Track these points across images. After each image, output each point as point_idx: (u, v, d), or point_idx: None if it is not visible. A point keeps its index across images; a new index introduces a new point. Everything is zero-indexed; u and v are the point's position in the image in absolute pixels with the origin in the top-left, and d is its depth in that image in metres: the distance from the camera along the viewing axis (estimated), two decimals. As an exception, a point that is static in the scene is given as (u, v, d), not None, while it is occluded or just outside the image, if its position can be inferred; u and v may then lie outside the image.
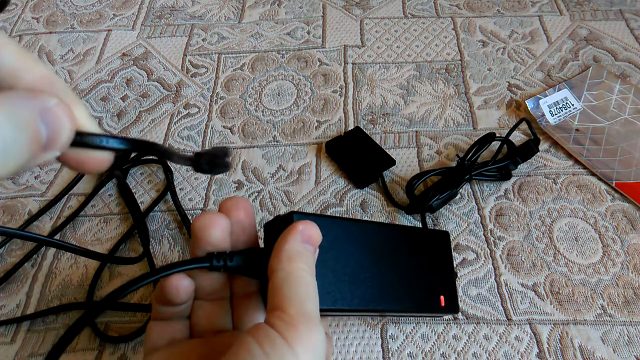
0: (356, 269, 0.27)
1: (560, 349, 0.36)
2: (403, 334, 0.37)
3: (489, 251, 0.41)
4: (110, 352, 0.37)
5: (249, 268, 0.25)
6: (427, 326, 0.37)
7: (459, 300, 0.37)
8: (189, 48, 0.59)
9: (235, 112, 0.52)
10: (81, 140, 0.17)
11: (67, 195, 0.47)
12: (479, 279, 0.39)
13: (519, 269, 0.40)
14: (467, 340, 0.36)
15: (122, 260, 0.40)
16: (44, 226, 0.45)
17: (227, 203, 0.25)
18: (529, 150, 0.44)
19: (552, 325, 0.37)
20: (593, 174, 0.45)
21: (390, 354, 0.36)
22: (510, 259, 0.40)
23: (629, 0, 0.60)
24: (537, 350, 0.36)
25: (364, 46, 0.58)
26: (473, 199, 0.44)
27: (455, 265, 0.40)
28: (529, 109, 0.49)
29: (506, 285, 0.39)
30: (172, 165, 0.48)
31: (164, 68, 0.57)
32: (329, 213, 0.44)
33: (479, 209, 0.43)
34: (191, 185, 0.47)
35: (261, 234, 0.34)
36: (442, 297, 0.32)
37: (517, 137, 0.48)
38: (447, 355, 0.36)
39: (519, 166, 0.45)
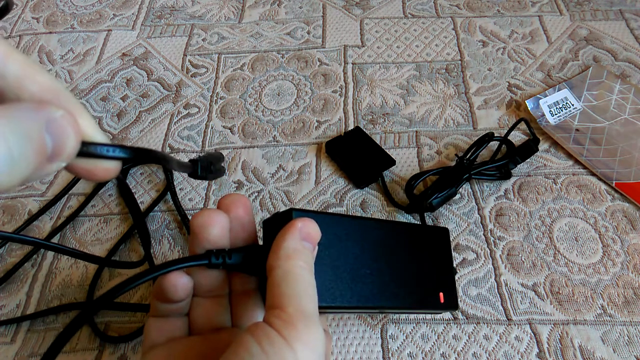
0: (355, 265, 0.27)
1: (560, 349, 0.36)
2: (403, 334, 0.37)
3: (489, 251, 0.41)
4: (110, 352, 0.37)
5: (248, 265, 0.25)
6: (427, 326, 0.37)
7: (458, 299, 0.37)
8: (189, 48, 0.59)
9: (235, 112, 0.52)
10: (87, 150, 0.17)
11: (67, 195, 0.47)
12: (479, 279, 0.39)
13: (519, 269, 0.40)
14: (467, 340, 0.36)
15: (122, 265, 0.39)
16: (44, 226, 0.45)
17: (226, 200, 0.25)
18: (528, 149, 0.44)
19: (552, 325, 0.37)
20: (593, 174, 0.45)
21: (390, 354, 0.36)
22: (510, 259, 0.40)
23: (629, 0, 0.60)
24: (537, 350, 0.36)
25: (364, 46, 0.58)
26: (473, 199, 0.44)
27: (455, 265, 0.40)
28: (529, 109, 0.49)
29: (506, 285, 0.39)
30: (172, 165, 0.48)
31: (164, 68, 0.58)
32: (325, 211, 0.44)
33: (479, 209, 0.43)
34: (191, 185, 0.47)
35: (260, 231, 0.34)
36: (441, 294, 0.32)
37: (517, 137, 0.48)
38: (447, 355, 0.36)
39: (518, 166, 0.45)
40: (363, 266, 0.27)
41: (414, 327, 0.37)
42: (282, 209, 0.45)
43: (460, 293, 0.39)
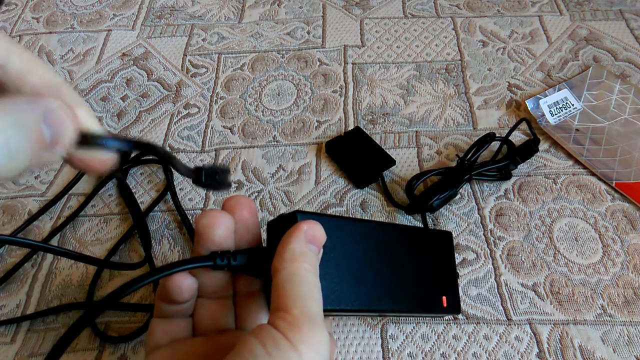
0: (360, 268, 0.27)
1: (560, 349, 0.36)
2: (403, 334, 0.37)
3: (489, 251, 0.41)
4: (110, 352, 0.37)
5: (253, 267, 0.25)
6: (427, 326, 0.37)
7: (460, 302, 0.37)
8: (189, 48, 0.59)
9: (235, 112, 0.52)
10: (85, 141, 0.18)
11: (67, 195, 0.47)
12: (479, 279, 0.39)
13: (519, 269, 0.40)
14: (467, 340, 0.36)
15: (120, 266, 0.39)
16: (44, 226, 0.45)
17: (231, 201, 0.25)
18: (528, 150, 0.44)
19: (552, 325, 0.37)
20: (593, 174, 0.45)
21: (390, 354, 0.36)
22: (510, 259, 0.40)
23: (629, 0, 0.60)
24: (537, 350, 0.36)
25: (364, 46, 0.58)
26: (473, 199, 0.44)
27: (457, 268, 0.40)
28: (529, 109, 0.49)
29: (506, 285, 0.39)
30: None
31: (164, 68, 0.57)
32: (329, 213, 0.44)
33: (479, 209, 0.43)
34: (191, 185, 0.47)
35: (265, 233, 0.34)
36: (444, 298, 0.32)
37: (517, 137, 0.48)
38: (447, 355, 0.36)
39: (519, 166, 0.45)
40: (367, 269, 0.27)
41: (414, 327, 0.37)
42: (282, 209, 0.45)
43: (460, 293, 0.39)
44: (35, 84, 0.18)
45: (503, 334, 0.37)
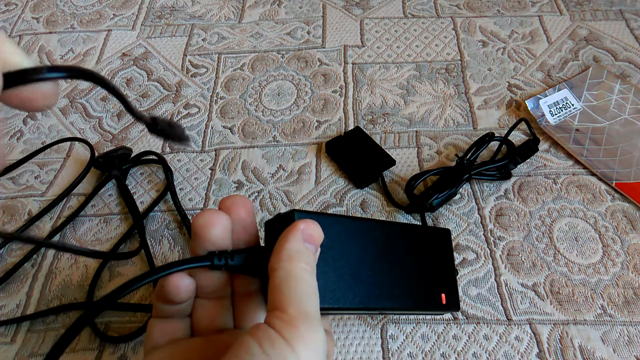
0: (358, 267, 0.27)
1: (560, 349, 0.36)
2: (403, 334, 0.37)
3: (489, 251, 0.41)
4: (110, 352, 0.37)
5: (250, 267, 0.25)
6: (427, 326, 0.37)
7: (459, 299, 0.37)
8: (189, 48, 0.59)
9: (235, 112, 0.52)
10: (13, 79, 0.17)
11: (67, 196, 0.47)
12: (479, 279, 0.39)
13: (519, 269, 0.40)
14: (467, 340, 0.36)
15: (121, 256, 0.40)
16: (44, 226, 0.45)
17: (227, 201, 0.25)
18: (528, 149, 0.44)
19: (552, 325, 0.37)
20: (593, 174, 0.45)
21: (390, 354, 0.36)
22: (510, 259, 0.40)
23: (629, 0, 0.60)
24: (537, 350, 0.36)
25: (364, 46, 0.58)
26: (473, 199, 0.44)
27: (455, 265, 0.40)
28: (529, 109, 0.49)
29: (506, 285, 0.39)
30: (172, 165, 0.48)
31: (164, 68, 0.58)
32: (327, 212, 0.44)
33: (479, 209, 0.43)
34: (191, 185, 0.47)
35: (262, 232, 0.34)
36: (443, 295, 0.32)
37: (518, 137, 0.48)
38: (447, 355, 0.36)
39: (518, 166, 0.45)
40: (365, 267, 0.27)
41: (414, 327, 0.37)
42: (282, 209, 0.45)
43: (460, 293, 0.39)
44: None
45: (503, 334, 0.37)
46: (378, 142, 0.48)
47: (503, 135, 0.45)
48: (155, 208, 0.45)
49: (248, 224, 0.26)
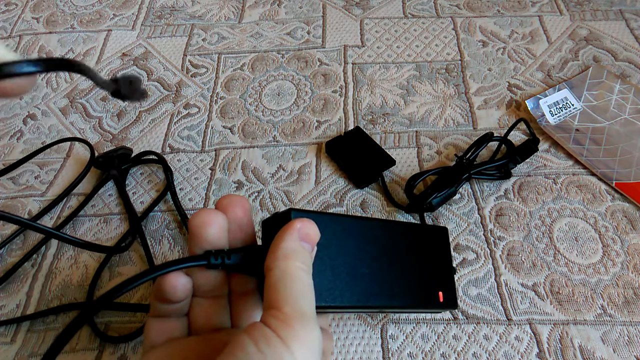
0: (355, 265, 0.27)
1: (560, 349, 0.36)
2: (403, 334, 0.37)
3: (489, 251, 0.41)
4: (110, 352, 0.37)
5: (247, 266, 0.25)
6: (427, 326, 0.37)
7: (458, 298, 0.37)
8: (189, 48, 0.59)
9: (235, 112, 0.52)
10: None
11: (67, 196, 0.47)
12: (479, 279, 0.39)
13: (519, 269, 0.40)
14: (467, 340, 0.36)
15: (120, 249, 0.40)
16: (44, 226, 0.45)
17: (224, 201, 0.25)
18: (527, 149, 0.44)
19: (552, 325, 0.37)
20: (593, 174, 0.45)
21: (390, 354, 0.36)
22: (510, 259, 0.40)
23: (629, 0, 0.60)
24: (537, 350, 0.36)
25: (364, 46, 0.58)
26: (473, 199, 0.44)
27: (455, 265, 0.40)
28: (529, 109, 0.49)
29: (506, 285, 0.39)
30: (172, 165, 0.48)
31: (164, 68, 0.58)
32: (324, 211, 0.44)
33: (479, 209, 0.43)
34: (191, 185, 0.47)
35: (260, 232, 0.34)
36: (440, 293, 0.32)
37: (518, 137, 0.48)
38: (447, 355, 0.36)
39: (518, 166, 0.45)
40: (362, 265, 0.27)
41: (414, 327, 0.37)
42: (282, 209, 0.45)
43: (460, 293, 0.39)
44: None
45: (503, 334, 0.37)
46: (378, 142, 0.48)
47: (502, 135, 0.45)
48: (155, 208, 0.45)
49: (245, 223, 0.26)
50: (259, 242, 0.26)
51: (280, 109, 0.52)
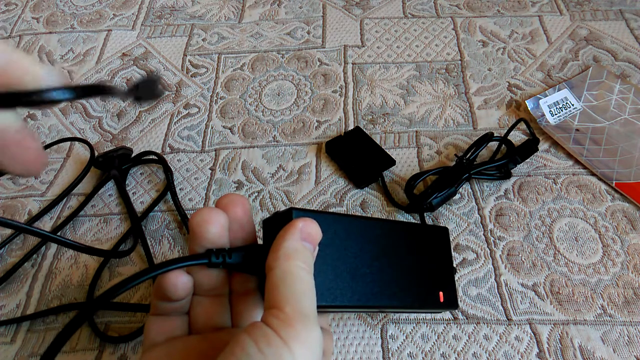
0: (355, 265, 0.27)
1: (560, 349, 0.36)
2: (403, 334, 0.37)
3: (489, 251, 0.41)
4: (110, 352, 0.37)
5: (248, 265, 0.25)
6: (427, 326, 0.37)
7: (458, 298, 0.37)
8: (189, 48, 0.59)
9: (235, 112, 0.52)
10: (29, 98, 0.18)
11: (67, 195, 0.47)
12: (479, 279, 0.39)
13: (519, 269, 0.40)
14: (467, 340, 0.36)
15: (121, 254, 0.40)
16: (44, 226, 0.45)
17: (224, 200, 0.25)
18: (527, 149, 0.44)
19: (552, 325, 0.37)
20: (593, 174, 0.45)
21: (390, 354, 0.36)
22: (510, 259, 0.40)
23: (629, 0, 0.60)
24: (537, 350, 0.36)
25: (364, 46, 0.58)
26: (473, 199, 0.44)
27: (455, 265, 0.40)
28: (529, 109, 0.49)
29: (506, 285, 0.39)
30: (172, 165, 0.48)
31: (164, 68, 0.58)
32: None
33: (479, 209, 0.43)
34: (191, 185, 0.47)
35: (260, 231, 0.34)
36: (441, 293, 0.32)
37: (518, 137, 0.48)
38: (447, 355, 0.36)
39: (518, 166, 0.45)
40: (363, 265, 0.27)
41: (414, 327, 0.37)
42: (282, 209, 0.44)
43: (460, 293, 0.39)
44: None
45: (503, 334, 0.37)
46: (378, 142, 0.48)
47: (502, 135, 0.45)
48: (155, 208, 0.45)
49: (245, 222, 0.26)
50: (260, 241, 0.26)
51: (280, 109, 0.52)
